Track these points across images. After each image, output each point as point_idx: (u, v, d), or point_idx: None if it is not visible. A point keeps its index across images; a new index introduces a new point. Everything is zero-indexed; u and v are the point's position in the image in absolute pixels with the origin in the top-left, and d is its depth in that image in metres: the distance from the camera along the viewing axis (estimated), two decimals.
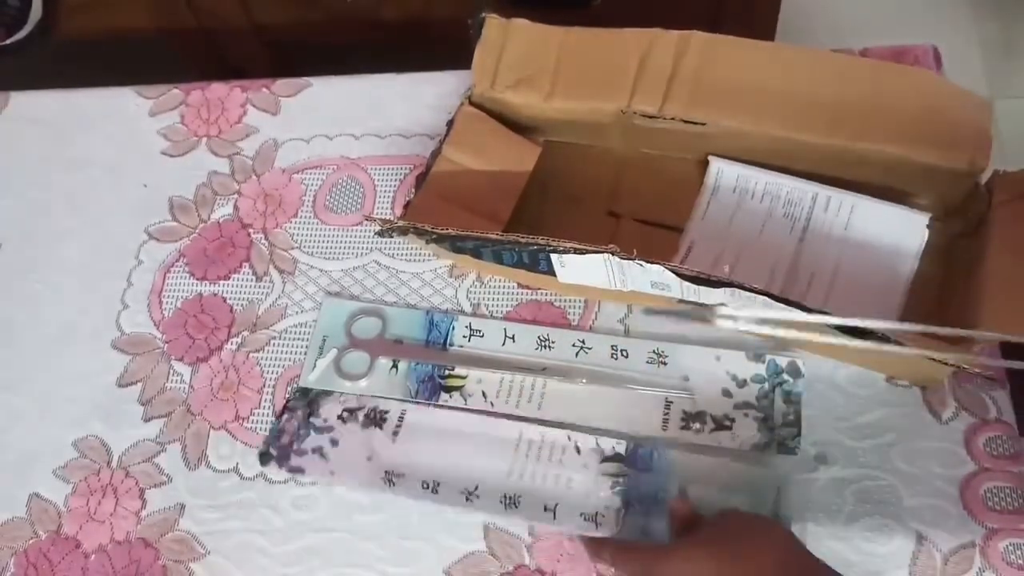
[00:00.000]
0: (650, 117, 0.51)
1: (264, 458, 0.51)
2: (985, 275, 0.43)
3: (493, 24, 0.53)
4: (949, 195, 0.49)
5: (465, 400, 0.50)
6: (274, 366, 0.54)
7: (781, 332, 0.45)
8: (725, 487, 0.46)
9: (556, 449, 0.48)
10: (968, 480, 0.45)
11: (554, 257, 0.47)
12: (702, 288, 0.43)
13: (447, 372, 0.51)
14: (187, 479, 0.52)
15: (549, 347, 0.51)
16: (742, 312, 0.45)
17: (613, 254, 0.43)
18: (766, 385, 0.48)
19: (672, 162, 0.54)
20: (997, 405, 0.47)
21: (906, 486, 0.46)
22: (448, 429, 0.50)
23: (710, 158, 0.53)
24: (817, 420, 0.47)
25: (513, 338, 0.52)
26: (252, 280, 0.57)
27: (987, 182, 0.47)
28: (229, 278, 0.57)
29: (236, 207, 0.59)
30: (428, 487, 0.48)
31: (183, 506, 0.51)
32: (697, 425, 0.48)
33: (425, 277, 0.55)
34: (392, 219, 0.51)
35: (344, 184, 0.59)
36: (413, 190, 0.52)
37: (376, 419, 0.50)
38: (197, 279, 0.57)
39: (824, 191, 0.51)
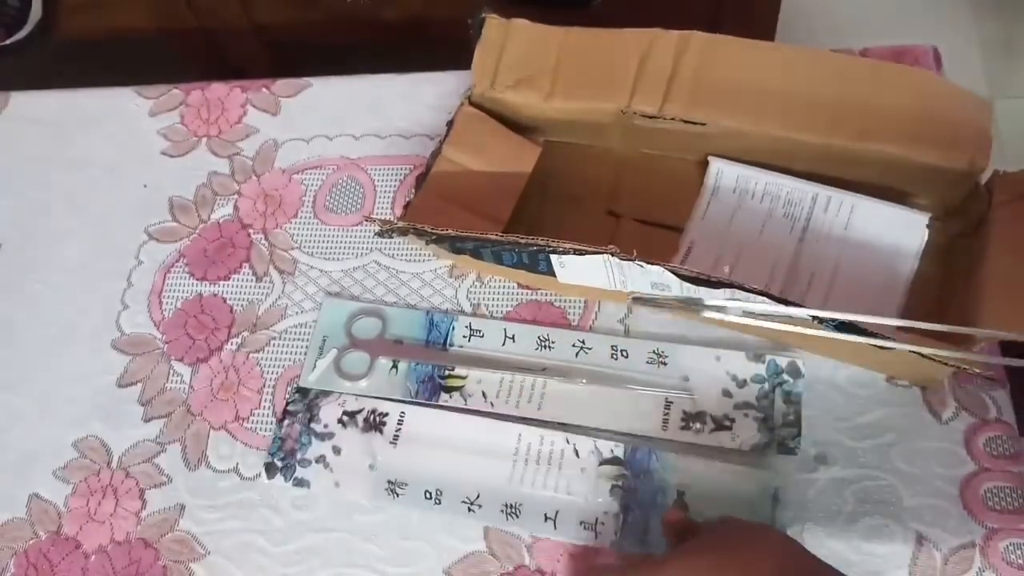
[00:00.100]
0: (650, 117, 0.51)
1: (270, 470, 0.51)
2: (985, 275, 0.43)
3: (493, 24, 0.53)
4: (949, 195, 0.49)
5: (465, 400, 0.50)
6: (274, 366, 0.54)
7: (771, 326, 0.45)
8: (722, 489, 0.46)
9: (555, 452, 0.48)
10: (968, 480, 0.45)
11: (554, 258, 0.47)
12: (702, 289, 0.43)
13: (447, 372, 0.51)
14: (187, 479, 0.52)
15: (549, 347, 0.51)
16: (731, 303, 0.45)
17: (613, 255, 0.43)
18: (766, 385, 0.48)
19: (672, 162, 0.54)
20: (997, 405, 0.47)
21: (906, 486, 0.46)
22: (448, 432, 0.50)
23: (710, 158, 0.53)
24: (817, 420, 0.47)
25: (513, 338, 0.52)
26: (252, 280, 0.57)
27: (987, 182, 0.47)
28: (229, 278, 0.57)
29: (236, 207, 0.59)
30: (431, 497, 0.48)
31: (183, 506, 0.51)
32: (697, 425, 0.48)
33: (425, 277, 0.55)
34: (392, 220, 0.51)
35: (344, 184, 0.59)
36: (413, 190, 0.52)
37: (375, 423, 0.50)
38: (197, 279, 0.57)
39: (824, 191, 0.51)
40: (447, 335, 0.52)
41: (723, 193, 0.52)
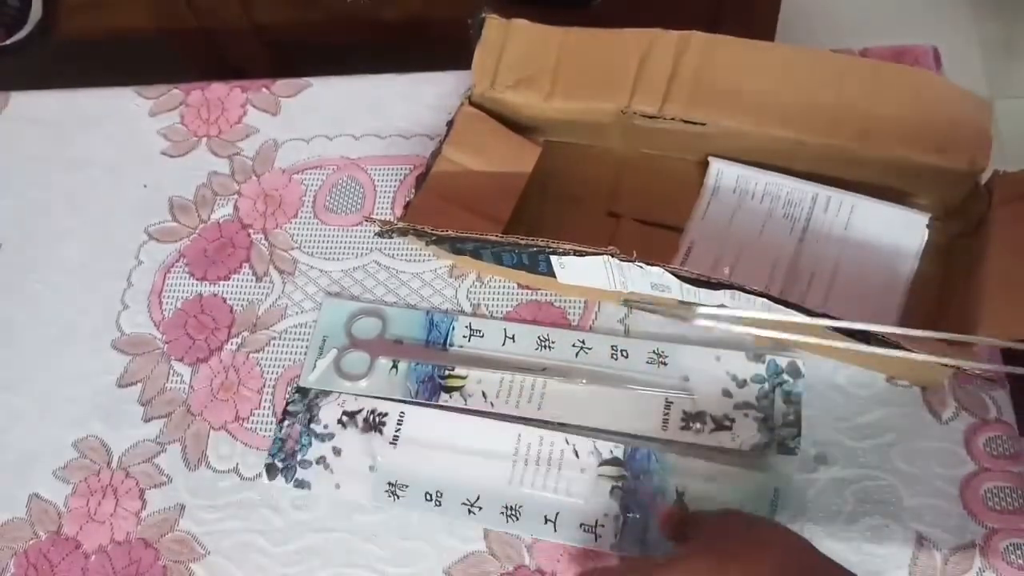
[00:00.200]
0: (650, 117, 0.51)
1: (270, 471, 0.51)
2: (985, 275, 0.43)
3: (493, 24, 0.53)
4: (949, 195, 0.49)
5: (465, 400, 0.50)
6: (274, 366, 0.54)
7: (764, 332, 0.45)
8: (722, 489, 0.46)
9: (555, 453, 0.48)
10: (968, 480, 0.45)
11: (554, 259, 0.47)
12: (702, 290, 0.43)
13: (447, 372, 0.51)
14: (187, 479, 0.52)
15: (549, 347, 0.51)
16: (722, 312, 0.45)
17: (613, 256, 0.43)
18: (766, 385, 0.48)
19: (672, 162, 0.54)
20: (997, 405, 0.47)
21: (906, 486, 0.46)
22: (447, 433, 0.50)
23: (710, 158, 0.53)
24: (817, 420, 0.47)
25: (513, 338, 0.52)
26: (252, 280, 0.57)
27: (987, 182, 0.47)
28: (229, 278, 0.57)
29: (236, 207, 0.59)
30: (431, 499, 0.48)
31: (183, 506, 0.51)
32: (697, 425, 0.48)
33: (425, 277, 0.55)
34: (392, 220, 0.51)
35: (344, 184, 0.59)
36: (413, 190, 0.52)
37: (375, 423, 0.50)
38: (197, 279, 0.57)
39: (824, 191, 0.51)
40: (447, 335, 0.52)
41: (723, 193, 0.52)
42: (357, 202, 0.58)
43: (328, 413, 0.51)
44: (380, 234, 0.51)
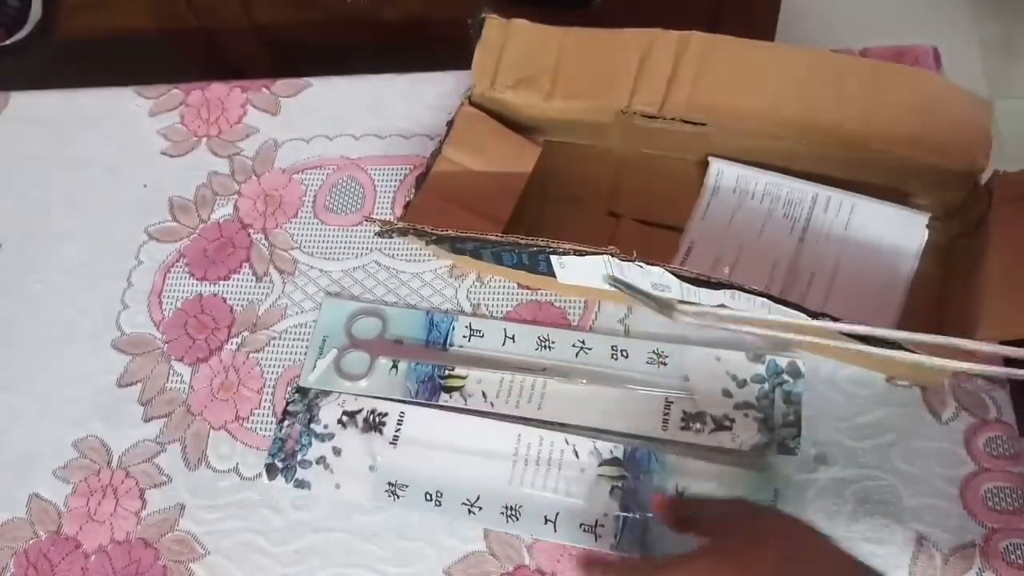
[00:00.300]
0: (650, 117, 0.51)
1: (270, 471, 0.51)
2: (985, 275, 0.43)
3: (493, 24, 0.53)
4: (949, 195, 0.49)
5: (465, 400, 0.50)
6: (274, 366, 0.54)
7: (751, 330, 0.45)
8: (722, 490, 0.46)
9: (555, 453, 0.48)
10: (968, 480, 0.45)
11: (554, 259, 0.47)
12: (702, 290, 0.43)
13: (447, 372, 0.51)
14: (187, 479, 0.52)
15: (549, 347, 0.51)
16: (703, 309, 0.44)
17: (613, 255, 0.43)
18: (766, 385, 0.48)
19: (672, 162, 0.54)
20: (997, 405, 0.47)
21: (906, 486, 0.46)
22: (447, 433, 0.50)
23: (710, 158, 0.53)
24: (817, 420, 0.47)
25: (513, 338, 0.52)
26: (252, 280, 0.57)
27: (987, 182, 0.47)
28: (229, 278, 0.57)
29: (236, 207, 0.59)
30: (431, 499, 0.48)
31: (183, 506, 0.51)
32: (697, 425, 0.48)
33: (425, 277, 0.55)
34: (392, 220, 0.51)
35: (344, 184, 0.59)
36: (413, 190, 0.52)
37: (375, 423, 0.50)
38: (197, 279, 0.57)
39: (824, 191, 0.51)
40: (447, 335, 0.52)
41: (723, 193, 0.52)
42: (357, 202, 0.58)
43: (328, 413, 0.51)
44: (380, 234, 0.51)
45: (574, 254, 0.44)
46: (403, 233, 0.50)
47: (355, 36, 0.91)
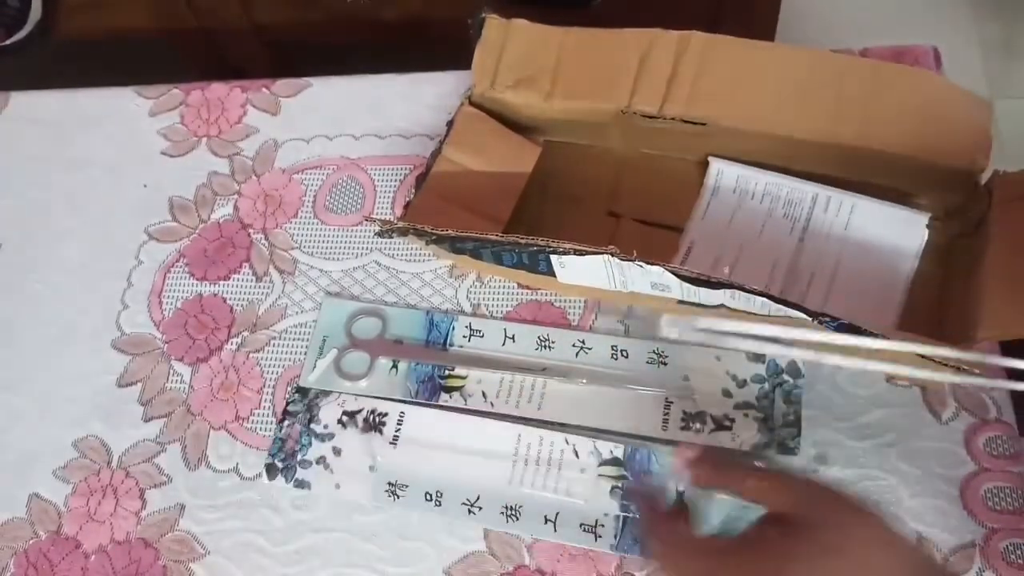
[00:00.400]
0: (650, 117, 0.51)
1: (270, 471, 0.51)
2: (985, 275, 0.43)
3: (493, 24, 0.53)
4: (949, 195, 0.49)
5: (465, 400, 0.50)
6: (274, 366, 0.54)
7: (736, 344, 0.43)
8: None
9: (555, 453, 0.48)
10: (968, 480, 0.45)
11: (554, 258, 0.47)
12: (702, 289, 0.43)
13: (447, 372, 0.51)
14: (187, 479, 0.52)
15: (549, 347, 0.51)
16: (683, 324, 0.42)
17: (613, 255, 0.43)
18: (766, 385, 0.48)
19: (672, 162, 0.54)
20: (997, 405, 0.47)
21: (906, 486, 0.46)
22: (447, 433, 0.50)
23: (710, 158, 0.53)
24: (817, 420, 0.47)
25: (513, 338, 0.52)
26: (252, 280, 0.57)
27: (987, 182, 0.47)
28: (229, 278, 0.57)
29: (236, 207, 0.59)
30: (431, 499, 0.48)
31: (183, 506, 0.51)
32: (697, 425, 0.48)
33: (425, 277, 0.55)
34: (392, 220, 0.51)
35: (344, 184, 0.59)
36: (413, 190, 0.52)
37: (375, 423, 0.50)
38: (197, 279, 0.57)
39: (824, 191, 0.51)
40: (447, 335, 0.52)
41: (723, 193, 0.52)
42: (357, 202, 0.58)
43: (328, 413, 0.51)
44: (380, 234, 0.51)
45: (574, 254, 0.44)
46: (403, 233, 0.50)
47: (355, 36, 0.91)
